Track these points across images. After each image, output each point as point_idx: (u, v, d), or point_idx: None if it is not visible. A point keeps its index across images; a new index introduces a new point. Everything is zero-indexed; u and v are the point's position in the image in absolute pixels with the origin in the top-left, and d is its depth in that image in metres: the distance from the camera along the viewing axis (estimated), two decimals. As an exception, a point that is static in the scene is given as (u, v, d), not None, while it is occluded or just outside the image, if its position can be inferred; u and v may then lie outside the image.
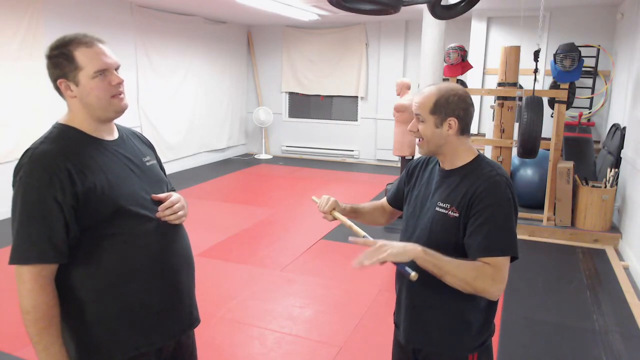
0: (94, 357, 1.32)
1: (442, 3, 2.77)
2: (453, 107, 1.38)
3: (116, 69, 1.34)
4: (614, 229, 4.72)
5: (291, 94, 9.12)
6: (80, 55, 1.28)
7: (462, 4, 2.67)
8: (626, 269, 4.03)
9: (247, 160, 8.72)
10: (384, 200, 1.77)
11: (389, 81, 8.01)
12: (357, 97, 8.60)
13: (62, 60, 1.28)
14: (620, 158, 4.88)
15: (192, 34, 7.67)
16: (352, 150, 8.76)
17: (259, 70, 9.25)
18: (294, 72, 8.88)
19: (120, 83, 1.33)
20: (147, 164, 1.45)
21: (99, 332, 1.30)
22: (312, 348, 2.81)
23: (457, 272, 1.29)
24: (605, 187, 4.61)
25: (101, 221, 1.27)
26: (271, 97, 9.18)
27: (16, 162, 1.29)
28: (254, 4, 6.13)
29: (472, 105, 1.42)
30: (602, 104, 6.23)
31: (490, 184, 1.34)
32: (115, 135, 1.41)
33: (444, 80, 5.37)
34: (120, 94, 1.34)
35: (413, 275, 1.27)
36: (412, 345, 1.52)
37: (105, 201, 1.27)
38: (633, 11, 5.18)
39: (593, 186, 4.67)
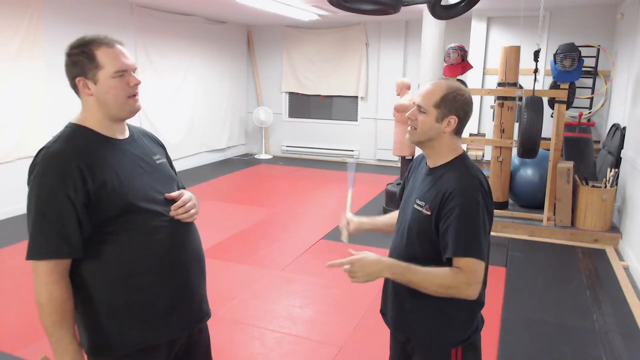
0: (104, 348, 1.36)
1: (442, 3, 2.77)
2: (457, 106, 1.41)
3: (134, 71, 1.38)
4: (614, 229, 4.72)
5: (291, 94, 9.12)
6: (102, 54, 1.31)
7: (462, 4, 2.67)
8: (626, 269, 4.03)
9: (247, 160, 8.72)
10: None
11: (389, 81, 8.01)
12: (357, 97, 8.59)
13: (82, 59, 1.31)
14: (620, 158, 4.88)
15: (192, 34, 7.67)
16: (352, 150, 8.76)
17: (259, 70, 9.25)
18: (294, 72, 8.87)
19: (138, 84, 1.37)
20: (158, 162, 1.49)
21: (109, 324, 1.34)
22: (312, 348, 2.81)
23: (428, 285, 1.34)
24: (605, 187, 4.61)
25: (112, 217, 1.31)
26: (271, 97, 9.18)
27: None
28: (254, 4, 6.13)
29: (472, 110, 1.47)
30: (602, 104, 6.23)
31: (461, 184, 1.37)
32: (127, 134, 1.45)
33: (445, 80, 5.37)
34: (135, 95, 1.38)
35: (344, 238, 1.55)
36: (400, 335, 1.56)
37: (116, 197, 1.31)
38: (633, 11, 5.18)
39: (593, 186, 4.67)
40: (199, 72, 7.91)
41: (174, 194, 1.45)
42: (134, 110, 1.39)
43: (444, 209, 1.35)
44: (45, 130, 5.36)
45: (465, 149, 7.05)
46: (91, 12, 5.87)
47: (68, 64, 1.34)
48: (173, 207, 1.42)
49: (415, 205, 1.44)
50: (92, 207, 1.28)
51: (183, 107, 7.62)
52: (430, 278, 1.33)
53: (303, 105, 9.11)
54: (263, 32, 9.04)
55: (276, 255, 4.20)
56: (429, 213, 1.39)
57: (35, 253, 1.25)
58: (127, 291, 1.34)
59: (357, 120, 8.72)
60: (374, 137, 8.56)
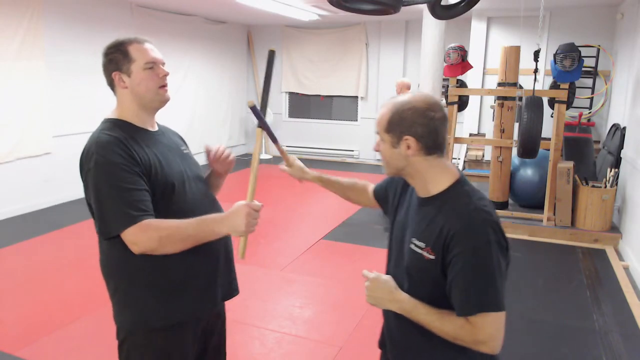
0: (146, 323, 1.44)
1: (442, 3, 2.77)
2: (408, 124, 1.18)
3: (162, 64, 1.51)
4: (614, 229, 4.72)
5: (291, 94, 9.12)
6: (134, 49, 1.45)
7: (462, 4, 2.67)
8: (626, 269, 4.03)
9: (247, 160, 8.72)
10: (369, 187, 1.71)
11: (389, 81, 8.00)
12: (357, 97, 8.60)
13: (117, 55, 1.45)
14: (620, 158, 4.88)
15: (192, 34, 7.67)
16: (352, 150, 8.77)
17: (259, 70, 9.25)
18: (294, 72, 8.88)
19: (167, 75, 1.50)
20: (184, 151, 1.64)
21: (147, 301, 1.43)
22: (312, 348, 2.81)
23: (435, 330, 1.18)
24: (605, 187, 4.61)
25: (156, 199, 1.41)
26: (271, 97, 9.19)
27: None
28: (254, 4, 6.13)
29: (436, 119, 1.18)
30: (602, 104, 6.23)
31: (466, 221, 1.13)
32: (156, 127, 1.58)
33: (444, 80, 5.37)
34: (165, 86, 1.51)
35: None
36: None
37: (159, 179, 1.42)
38: (633, 11, 5.18)
39: (593, 186, 4.67)
40: (199, 72, 7.91)
41: (213, 147, 1.68)
42: (164, 100, 1.51)
43: (449, 254, 1.14)
44: (45, 130, 5.36)
45: (465, 149, 7.05)
46: (91, 12, 5.87)
47: (105, 63, 1.47)
48: (215, 148, 1.67)
49: (412, 246, 1.22)
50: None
51: (183, 107, 7.62)
52: (439, 324, 1.17)
53: (303, 105, 9.11)
54: (263, 32, 9.04)
55: (276, 255, 4.20)
56: (432, 257, 1.17)
57: (123, 223, 1.31)
58: (169, 268, 1.42)
59: (357, 120, 8.73)
60: (374, 137, 8.51)
